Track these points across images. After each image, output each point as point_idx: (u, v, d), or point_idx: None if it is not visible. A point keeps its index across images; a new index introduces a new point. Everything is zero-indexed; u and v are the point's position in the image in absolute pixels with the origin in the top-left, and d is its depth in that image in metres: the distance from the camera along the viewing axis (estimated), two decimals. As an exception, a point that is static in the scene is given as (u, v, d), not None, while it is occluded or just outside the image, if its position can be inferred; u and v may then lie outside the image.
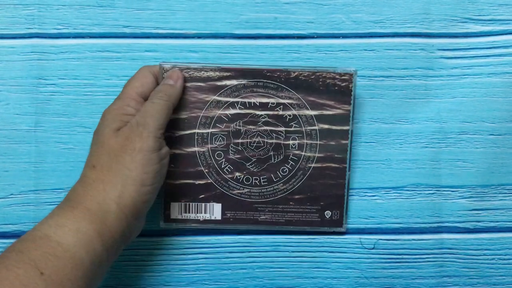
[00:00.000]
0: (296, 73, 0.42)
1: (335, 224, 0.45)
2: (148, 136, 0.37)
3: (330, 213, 0.44)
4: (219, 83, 0.42)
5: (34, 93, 0.44)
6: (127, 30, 0.44)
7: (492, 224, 0.46)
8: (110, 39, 0.44)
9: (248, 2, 0.45)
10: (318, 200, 0.44)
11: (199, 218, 0.44)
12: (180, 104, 0.42)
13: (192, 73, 0.42)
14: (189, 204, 0.44)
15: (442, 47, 0.45)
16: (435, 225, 0.46)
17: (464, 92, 0.45)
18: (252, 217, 0.44)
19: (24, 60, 0.44)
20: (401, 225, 0.46)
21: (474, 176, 0.46)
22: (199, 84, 0.42)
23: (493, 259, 0.47)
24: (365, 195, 0.46)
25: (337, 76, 0.42)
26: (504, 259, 0.47)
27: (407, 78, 0.45)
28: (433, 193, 0.46)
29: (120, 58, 0.45)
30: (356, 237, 0.46)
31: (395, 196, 0.46)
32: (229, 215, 0.44)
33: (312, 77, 0.42)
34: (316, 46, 0.45)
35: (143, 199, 0.37)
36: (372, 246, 0.46)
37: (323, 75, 0.42)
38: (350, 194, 0.46)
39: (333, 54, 0.45)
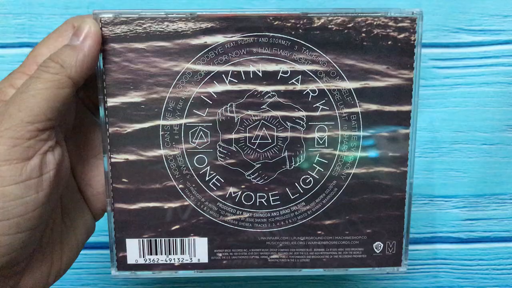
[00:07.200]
0: (323, 20, 0.27)
1: (390, 262, 0.30)
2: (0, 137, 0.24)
3: (382, 245, 0.30)
4: (195, 41, 0.27)
5: (24, 103, 0.44)
6: (118, 40, 0.44)
7: (485, 234, 0.46)
8: (101, 48, 0.44)
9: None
10: (362, 225, 0.29)
11: (173, 261, 0.29)
12: (129, 79, 0.27)
13: (149, 26, 0.26)
14: (155, 240, 0.29)
15: (434, 57, 0.45)
16: (429, 235, 0.46)
17: (456, 102, 0.45)
18: (258, 257, 0.29)
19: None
20: (394, 236, 0.46)
21: (467, 186, 0.46)
22: (162, 44, 0.27)
23: (487, 269, 0.46)
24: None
25: (390, 23, 0.27)
26: (498, 269, 0.46)
27: (399, 87, 0.45)
28: (426, 203, 0.46)
29: (111, 67, 0.44)
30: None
31: (388, 206, 0.46)
32: (220, 255, 0.29)
33: (350, 25, 0.27)
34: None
35: None
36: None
37: (368, 22, 0.27)
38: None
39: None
